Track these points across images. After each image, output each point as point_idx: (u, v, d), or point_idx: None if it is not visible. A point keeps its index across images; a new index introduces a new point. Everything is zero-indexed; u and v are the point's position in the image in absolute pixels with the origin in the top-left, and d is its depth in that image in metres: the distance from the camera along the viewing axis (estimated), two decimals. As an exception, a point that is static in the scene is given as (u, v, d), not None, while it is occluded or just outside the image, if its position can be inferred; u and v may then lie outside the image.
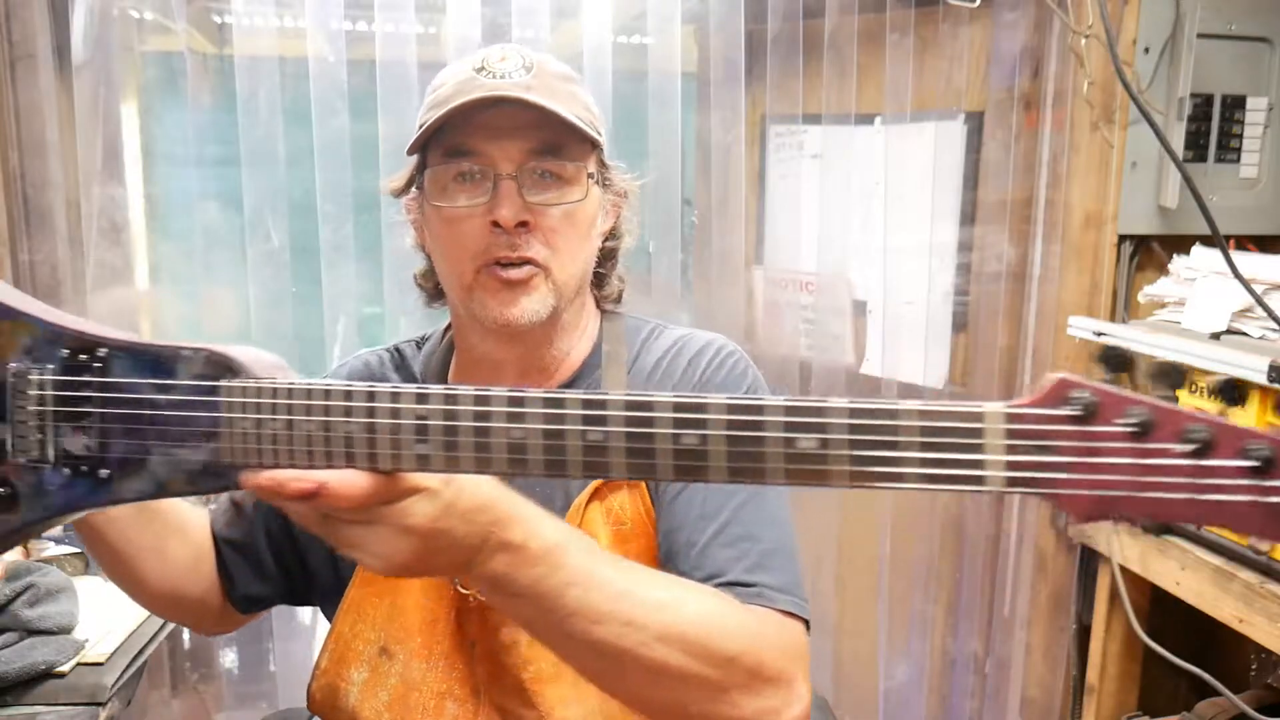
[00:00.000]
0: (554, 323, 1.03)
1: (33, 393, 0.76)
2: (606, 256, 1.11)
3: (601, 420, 0.62)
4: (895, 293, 2.21)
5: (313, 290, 1.95)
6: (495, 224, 0.97)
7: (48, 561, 1.64)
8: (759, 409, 0.59)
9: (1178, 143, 1.90)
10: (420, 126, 1.01)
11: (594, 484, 1.01)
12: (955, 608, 2.33)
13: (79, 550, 1.73)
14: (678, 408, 0.61)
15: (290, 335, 1.95)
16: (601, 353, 1.09)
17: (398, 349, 1.18)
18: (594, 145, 1.03)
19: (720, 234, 2.16)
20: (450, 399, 0.65)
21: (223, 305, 1.96)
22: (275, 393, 0.68)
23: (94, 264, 1.87)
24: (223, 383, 0.70)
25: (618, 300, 1.15)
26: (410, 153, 1.04)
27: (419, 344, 1.18)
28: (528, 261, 0.98)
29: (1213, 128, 1.96)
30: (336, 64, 1.87)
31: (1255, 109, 1.97)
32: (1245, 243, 1.93)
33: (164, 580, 1.02)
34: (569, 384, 1.08)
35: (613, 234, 1.11)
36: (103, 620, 1.53)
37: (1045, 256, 2.12)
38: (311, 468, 0.67)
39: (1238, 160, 1.99)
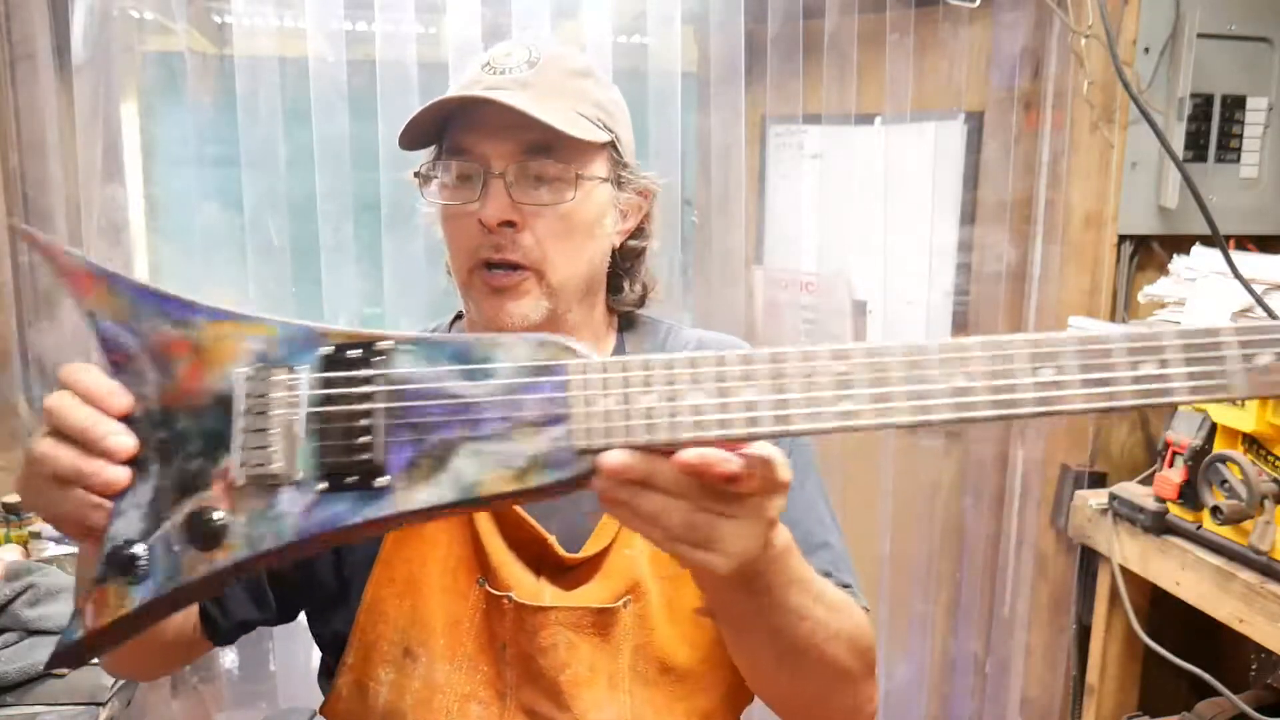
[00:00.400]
0: (555, 325, 1.01)
1: (279, 395, 0.67)
2: (626, 256, 1.08)
3: (1052, 357, 0.61)
4: (895, 293, 2.21)
5: (313, 290, 1.95)
6: (480, 223, 0.96)
7: (48, 561, 1.64)
8: (1213, 331, 0.61)
9: (1178, 143, 1.90)
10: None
11: None
12: (955, 608, 2.33)
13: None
14: (1130, 337, 0.61)
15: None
16: (625, 354, 1.08)
17: None
18: (604, 144, 1.00)
19: (720, 234, 2.16)
20: (873, 352, 0.62)
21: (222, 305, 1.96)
22: (647, 365, 0.63)
23: (94, 264, 1.87)
24: (570, 361, 0.64)
25: (640, 303, 1.12)
26: (415, 148, 1.03)
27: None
28: (516, 265, 0.97)
29: (1213, 128, 1.96)
30: (336, 64, 1.87)
31: (1255, 109, 1.97)
32: (1245, 243, 1.93)
33: (166, 626, 0.95)
34: None
35: (639, 233, 1.09)
36: (103, 620, 1.53)
37: (1045, 256, 2.12)
38: (700, 441, 0.62)
39: (1238, 160, 1.99)
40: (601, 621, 0.99)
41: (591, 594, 1.00)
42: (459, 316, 1.13)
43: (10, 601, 1.46)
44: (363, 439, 0.65)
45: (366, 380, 0.66)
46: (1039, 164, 2.12)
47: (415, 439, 0.65)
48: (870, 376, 0.61)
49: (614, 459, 0.63)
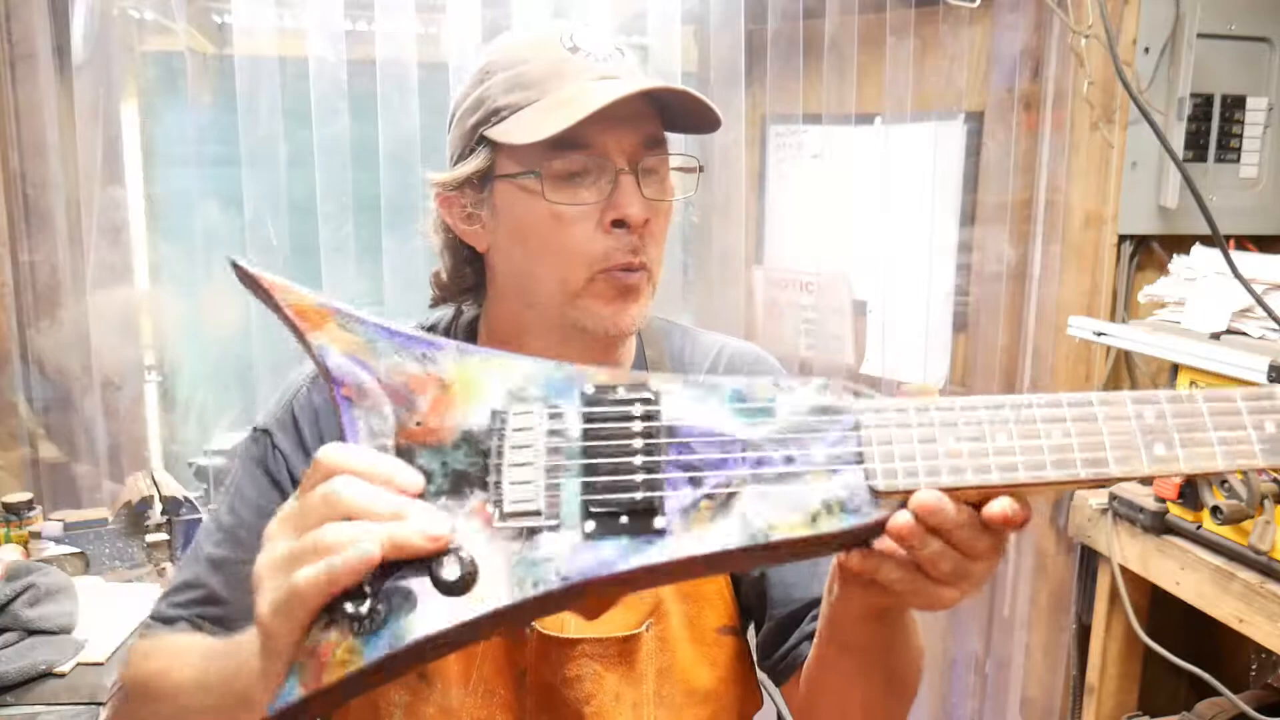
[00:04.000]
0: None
1: (542, 433, 0.61)
2: None
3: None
4: (895, 293, 2.21)
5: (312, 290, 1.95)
6: (615, 224, 0.90)
7: (48, 561, 1.64)
8: None
9: (1178, 143, 1.90)
10: (505, 110, 0.89)
11: None
12: (955, 608, 2.33)
13: (79, 550, 1.73)
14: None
15: (290, 335, 1.95)
16: (645, 357, 1.05)
17: None
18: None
19: (720, 234, 2.16)
20: (1176, 399, 0.60)
21: (223, 305, 1.96)
22: (948, 405, 0.60)
23: (94, 264, 1.87)
24: (861, 402, 0.61)
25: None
26: (476, 140, 0.92)
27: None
28: (641, 267, 0.92)
29: (1213, 128, 1.96)
30: (336, 64, 1.87)
31: (1255, 109, 1.97)
32: (1245, 243, 1.93)
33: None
34: None
35: None
36: (103, 620, 1.53)
37: (1045, 257, 2.12)
38: (1010, 486, 0.58)
39: (1238, 160, 1.99)
40: (627, 649, 0.96)
41: (615, 621, 0.95)
42: (458, 314, 1.06)
43: (10, 601, 1.46)
44: (635, 477, 0.59)
45: (638, 418, 0.62)
46: (1039, 164, 2.12)
47: (693, 479, 0.60)
48: (1180, 423, 0.59)
49: (929, 499, 0.58)
